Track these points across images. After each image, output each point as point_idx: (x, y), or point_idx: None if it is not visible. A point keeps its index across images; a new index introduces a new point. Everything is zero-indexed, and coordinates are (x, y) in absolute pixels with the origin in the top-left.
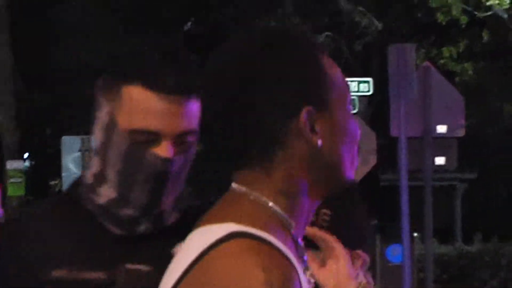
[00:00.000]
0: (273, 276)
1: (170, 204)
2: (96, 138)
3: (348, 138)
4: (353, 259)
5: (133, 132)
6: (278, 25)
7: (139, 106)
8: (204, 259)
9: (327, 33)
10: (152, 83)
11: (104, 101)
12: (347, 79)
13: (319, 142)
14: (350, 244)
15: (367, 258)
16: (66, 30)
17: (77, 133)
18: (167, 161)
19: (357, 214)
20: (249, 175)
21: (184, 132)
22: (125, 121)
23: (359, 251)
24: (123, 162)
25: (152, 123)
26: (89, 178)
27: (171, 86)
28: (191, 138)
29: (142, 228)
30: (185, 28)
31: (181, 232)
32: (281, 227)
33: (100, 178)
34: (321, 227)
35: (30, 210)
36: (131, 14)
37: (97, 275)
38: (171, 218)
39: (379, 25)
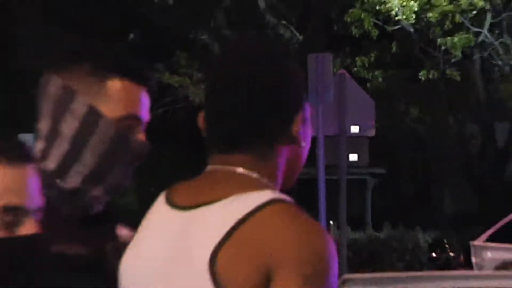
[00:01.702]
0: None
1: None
2: (65, 128)
3: (309, 141)
4: None
5: (121, 119)
6: (275, 39)
7: (127, 95)
8: (260, 213)
9: None
10: (135, 76)
11: (80, 94)
12: None
13: (303, 144)
14: None
15: None
16: (19, 41)
17: (30, 131)
18: (146, 144)
19: None
20: (244, 158)
21: (147, 121)
22: (110, 110)
23: None
24: (106, 145)
25: (138, 110)
26: (49, 165)
27: (150, 80)
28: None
29: (97, 209)
30: (129, 38)
31: (109, 215)
32: None
33: (67, 163)
34: None
35: None
36: (78, 24)
37: (87, 251)
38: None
39: (300, 37)
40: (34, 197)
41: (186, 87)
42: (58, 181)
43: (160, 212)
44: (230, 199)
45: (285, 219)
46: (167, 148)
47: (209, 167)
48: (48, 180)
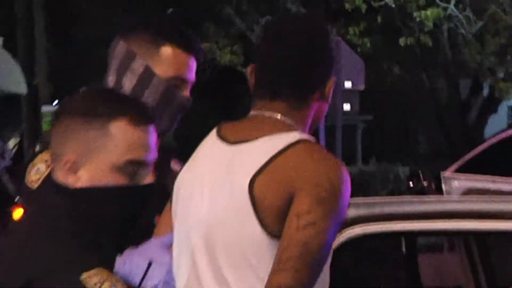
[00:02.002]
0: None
1: None
2: (126, 82)
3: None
4: None
5: (170, 79)
6: (316, 17)
7: (176, 60)
8: (290, 150)
9: (267, 17)
10: (185, 44)
11: (140, 56)
12: None
13: (329, 100)
14: None
15: None
16: (83, 10)
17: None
18: (190, 100)
19: None
20: (283, 106)
21: (192, 83)
22: (162, 71)
23: None
24: (157, 98)
25: (184, 72)
26: None
27: (198, 48)
28: None
29: None
30: (168, 12)
31: (164, 154)
32: None
33: None
34: None
35: None
36: (126, 2)
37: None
38: None
39: (304, 11)
40: (152, 152)
41: (213, 51)
42: None
43: (212, 144)
44: (268, 138)
45: (309, 154)
46: (197, 99)
47: (253, 112)
48: None
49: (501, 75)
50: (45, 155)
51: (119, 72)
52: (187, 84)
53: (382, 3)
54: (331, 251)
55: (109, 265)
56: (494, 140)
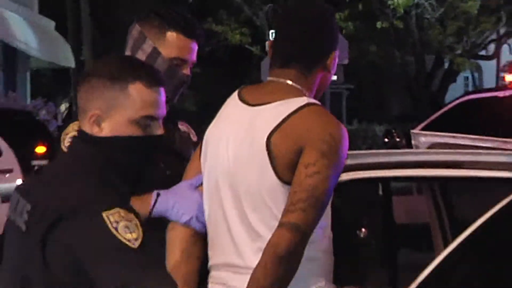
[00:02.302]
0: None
1: None
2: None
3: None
4: None
5: (173, 59)
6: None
7: (178, 44)
8: (300, 112)
9: (270, 4)
10: (188, 31)
11: (149, 38)
12: None
13: (332, 72)
14: None
15: None
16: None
17: None
18: (189, 77)
19: None
20: (292, 74)
21: (193, 63)
22: (166, 52)
23: None
24: (163, 75)
25: (185, 54)
26: None
27: (199, 34)
28: None
29: None
30: (189, 1)
31: (172, 116)
32: None
33: None
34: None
35: None
36: None
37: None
38: None
39: None
40: (162, 109)
41: (226, 33)
42: None
43: (234, 105)
44: (282, 101)
45: (315, 115)
46: (212, 71)
47: (269, 78)
48: None
49: (458, 52)
50: (75, 125)
51: (132, 50)
52: (187, 64)
53: None
54: (332, 195)
55: (126, 206)
56: (453, 104)
